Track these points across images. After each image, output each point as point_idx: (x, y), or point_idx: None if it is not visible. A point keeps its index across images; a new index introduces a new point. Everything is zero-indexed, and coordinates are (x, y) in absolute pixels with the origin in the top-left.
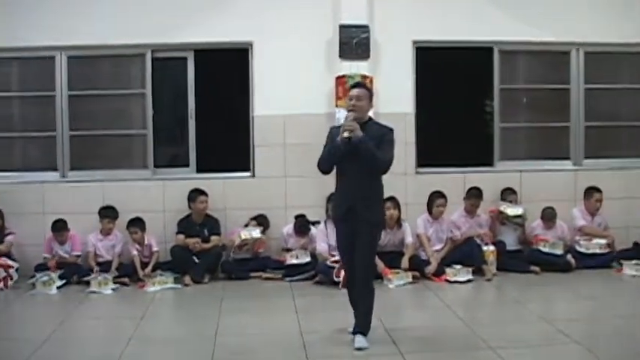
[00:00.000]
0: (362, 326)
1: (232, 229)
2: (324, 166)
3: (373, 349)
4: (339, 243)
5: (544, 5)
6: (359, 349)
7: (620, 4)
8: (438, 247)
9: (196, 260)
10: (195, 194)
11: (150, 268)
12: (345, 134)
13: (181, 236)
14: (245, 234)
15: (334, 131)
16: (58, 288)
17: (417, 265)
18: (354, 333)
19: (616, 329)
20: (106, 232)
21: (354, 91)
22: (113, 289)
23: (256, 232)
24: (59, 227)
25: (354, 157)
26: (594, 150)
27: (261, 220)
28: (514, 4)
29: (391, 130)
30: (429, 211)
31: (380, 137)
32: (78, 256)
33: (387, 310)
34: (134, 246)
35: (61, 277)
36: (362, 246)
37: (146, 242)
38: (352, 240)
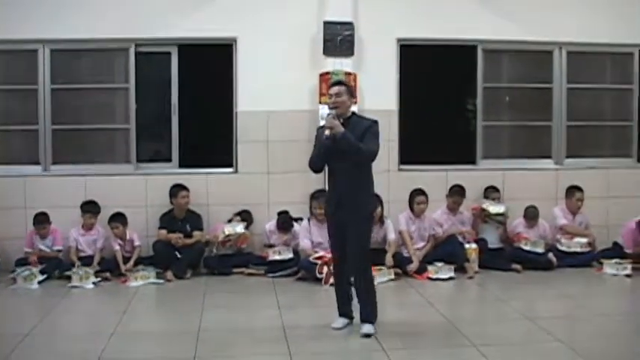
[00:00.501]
0: (369, 315)
1: (215, 224)
2: (315, 166)
3: (355, 345)
4: (331, 238)
5: (528, 5)
6: (366, 335)
7: (602, 5)
8: (420, 244)
9: (178, 256)
10: (177, 189)
11: (132, 262)
12: (327, 132)
13: (163, 231)
14: (229, 229)
15: (320, 131)
16: (39, 283)
17: (399, 263)
18: (362, 322)
19: (597, 327)
20: (87, 227)
21: (334, 89)
22: (94, 284)
23: (240, 228)
24: (41, 220)
25: (341, 154)
26: (576, 149)
27: (245, 216)
28: (498, 3)
29: (375, 121)
30: (411, 209)
31: (365, 130)
32: (59, 251)
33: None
34: (116, 241)
35: (42, 272)
36: (354, 239)
37: (128, 237)
38: (343, 235)
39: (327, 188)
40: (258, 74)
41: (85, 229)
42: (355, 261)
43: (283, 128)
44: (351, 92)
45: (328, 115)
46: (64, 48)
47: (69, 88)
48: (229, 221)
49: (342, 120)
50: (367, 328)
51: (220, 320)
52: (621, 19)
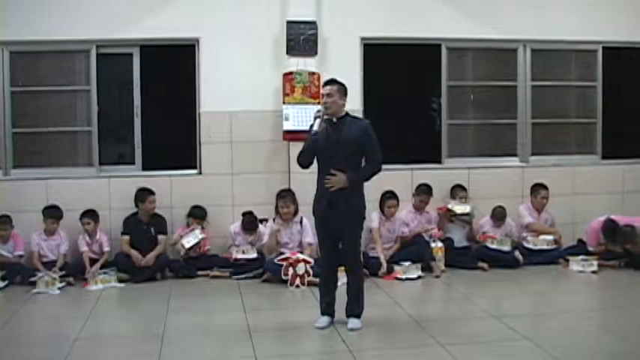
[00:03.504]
0: (356, 310)
1: (176, 229)
2: (303, 161)
3: (322, 347)
4: (320, 236)
5: (491, 3)
6: (352, 329)
7: (565, 2)
8: (388, 245)
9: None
10: (144, 194)
11: (98, 266)
12: (315, 128)
13: (126, 238)
14: (188, 242)
15: (311, 129)
16: (0, 289)
17: (365, 263)
18: (348, 316)
19: (563, 324)
20: (50, 232)
21: (325, 89)
22: (60, 289)
23: (196, 236)
24: (3, 221)
25: (333, 153)
26: (541, 147)
27: (197, 213)
28: (462, 1)
29: (370, 123)
30: (381, 210)
31: (361, 133)
32: (21, 256)
33: (335, 307)
34: (84, 240)
35: (2, 278)
36: (349, 239)
37: (97, 237)
38: (334, 235)
39: (316, 187)
40: (221, 75)
41: (47, 234)
42: (350, 260)
43: (247, 129)
44: (344, 91)
45: (318, 111)
46: (24, 50)
47: (29, 90)
48: (188, 225)
49: (335, 119)
50: (354, 323)
51: (185, 323)
52: (585, 17)
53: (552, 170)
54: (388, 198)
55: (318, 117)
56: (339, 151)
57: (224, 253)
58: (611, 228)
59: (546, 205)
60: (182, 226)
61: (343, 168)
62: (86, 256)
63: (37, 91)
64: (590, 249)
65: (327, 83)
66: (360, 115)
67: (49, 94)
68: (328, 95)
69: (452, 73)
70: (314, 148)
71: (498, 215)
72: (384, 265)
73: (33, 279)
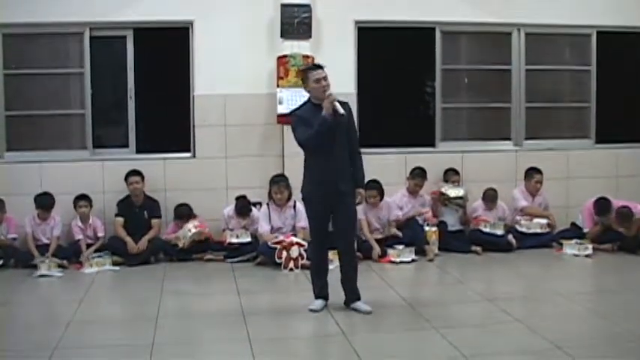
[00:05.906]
0: (357, 293)
1: (169, 227)
2: (313, 144)
3: (315, 330)
4: (316, 219)
5: None
6: (368, 312)
7: None
8: (380, 232)
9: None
10: (127, 174)
11: (92, 250)
12: (340, 110)
13: (120, 220)
14: (182, 241)
15: (303, 113)
16: None
17: (359, 246)
18: (353, 301)
19: (557, 308)
20: (42, 217)
21: (320, 73)
22: (61, 272)
23: (190, 230)
24: None
25: (332, 136)
26: (535, 131)
27: (183, 212)
28: None
29: (347, 103)
30: (366, 200)
31: (348, 115)
32: (14, 239)
33: (329, 290)
34: (77, 225)
35: None
36: (347, 218)
37: (90, 221)
38: (328, 217)
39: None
40: (215, 58)
41: (40, 218)
42: (346, 243)
43: (241, 112)
44: None
45: (329, 95)
46: (17, 32)
47: (22, 73)
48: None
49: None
50: (364, 305)
51: (179, 306)
52: (579, 1)
53: (546, 154)
54: (370, 188)
55: (335, 100)
56: (336, 134)
57: (218, 237)
58: (603, 205)
59: (540, 189)
60: (172, 225)
61: (340, 149)
62: (83, 244)
63: (30, 74)
64: (586, 230)
65: (318, 67)
66: (353, 98)
67: (43, 77)
68: (325, 78)
69: (446, 56)
70: (328, 130)
71: (489, 197)
72: (376, 247)
73: (33, 262)
